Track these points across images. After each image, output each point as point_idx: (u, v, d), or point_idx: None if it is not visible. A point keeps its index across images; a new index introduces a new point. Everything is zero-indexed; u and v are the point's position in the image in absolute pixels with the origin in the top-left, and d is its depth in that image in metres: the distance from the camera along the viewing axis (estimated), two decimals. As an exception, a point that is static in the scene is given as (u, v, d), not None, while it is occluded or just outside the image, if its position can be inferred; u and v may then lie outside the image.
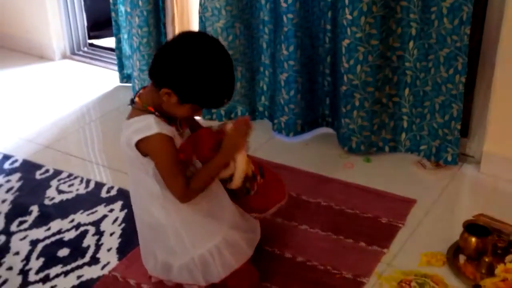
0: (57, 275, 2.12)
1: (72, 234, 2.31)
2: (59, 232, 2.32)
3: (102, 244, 2.26)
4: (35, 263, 2.17)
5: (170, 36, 3.09)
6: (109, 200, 2.48)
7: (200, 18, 2.80)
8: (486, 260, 2.09)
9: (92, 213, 2.42)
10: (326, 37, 2.68)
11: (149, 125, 1.77)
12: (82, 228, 2.34)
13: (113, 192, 2.53)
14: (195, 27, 3.07)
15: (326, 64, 2.75)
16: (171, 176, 1.81)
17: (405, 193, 2.48)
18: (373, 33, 2.49)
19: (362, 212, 2.38)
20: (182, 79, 1.75)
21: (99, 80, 3.48)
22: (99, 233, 2.31)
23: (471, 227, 2.17)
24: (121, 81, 3.36)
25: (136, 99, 1.85)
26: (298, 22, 2.63)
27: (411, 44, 2.53)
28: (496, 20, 2.40)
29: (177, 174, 1.81)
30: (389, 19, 2.51)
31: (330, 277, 2.09)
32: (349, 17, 2.46)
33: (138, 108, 1.84)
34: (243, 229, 2.00)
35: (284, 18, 2.62)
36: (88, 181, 2.60)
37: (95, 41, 3.84)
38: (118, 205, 2.45)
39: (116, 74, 3.37)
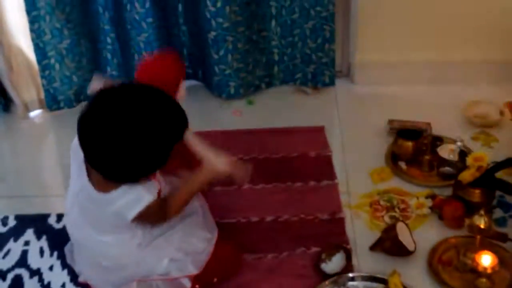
0: None
1: (3, 288, 1.86)
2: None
3: (50, 283, 1.86)
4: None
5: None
6: (14, 233, 2.03)
7: None
8: (427, 158, 2.23)
9: (6, 254, 1.96)
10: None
11: (140, 196, 1.58)
12: (10, 276, 1.89)
13: (12, 222, 2.07)
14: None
15: (179, 12, 2.54)
16: (160, 217, 1.71)
17: (306, 123, 2.49)
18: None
19: (288, 153, 2.34)
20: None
21: None
22: (36, 273, 1.89)
23: (400, 133, 2.28)
24: None
25: None
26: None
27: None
28: None
29: (165, 213, 1.70)
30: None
31: (309, 225, 2.03)
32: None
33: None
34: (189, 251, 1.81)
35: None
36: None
37: None
38: (30, 234, 2.02)
39: None
